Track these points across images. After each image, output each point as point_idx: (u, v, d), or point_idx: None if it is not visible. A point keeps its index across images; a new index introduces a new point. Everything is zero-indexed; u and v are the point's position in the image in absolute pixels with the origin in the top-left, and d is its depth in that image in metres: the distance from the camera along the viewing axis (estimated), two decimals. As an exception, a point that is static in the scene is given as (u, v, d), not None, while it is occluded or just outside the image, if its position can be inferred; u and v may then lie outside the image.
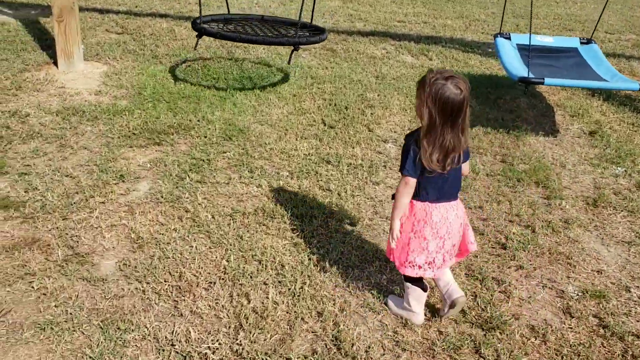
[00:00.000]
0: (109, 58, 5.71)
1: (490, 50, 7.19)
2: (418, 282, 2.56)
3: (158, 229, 3.14)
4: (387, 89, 5.54)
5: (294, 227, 3.24)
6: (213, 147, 4.11)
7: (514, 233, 3.33)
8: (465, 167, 2.52)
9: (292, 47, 4.68)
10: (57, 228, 3.07)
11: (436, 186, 2.39)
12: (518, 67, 5.02)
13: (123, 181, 3.59)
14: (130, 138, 4.13)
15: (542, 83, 4.54)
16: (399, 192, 2.41)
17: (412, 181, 2.37)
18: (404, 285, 2.59)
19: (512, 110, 5.26)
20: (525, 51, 5.51)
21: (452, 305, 2.55)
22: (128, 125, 4.30)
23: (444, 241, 2.44)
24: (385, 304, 2.70)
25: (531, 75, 4.58)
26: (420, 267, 2.47)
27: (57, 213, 3.19)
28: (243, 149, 4.12)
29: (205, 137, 4.25)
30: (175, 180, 3.63)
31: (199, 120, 4.50)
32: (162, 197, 3.43)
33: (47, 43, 5.95)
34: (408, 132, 2.77)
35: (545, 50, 5.66)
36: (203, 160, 3.90)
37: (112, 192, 3.45)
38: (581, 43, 5.82)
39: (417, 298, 2.56)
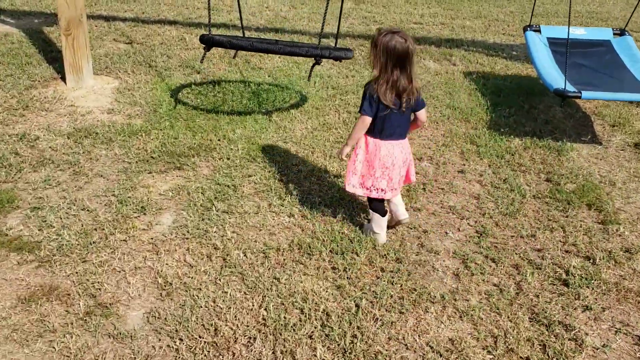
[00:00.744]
0: (119, 71, 5.41)
1: (514, 53, 6.88)
2: (377, 209, 3.09)
3: (186, 271, 2.86)
4: (414, 100, 5.23)
5: (335, 265, 2.95)
6: (237, 170, 3.82)
7: (574, 267, 3.04)
8: (422, 115, 3.05)
9: (313, 60, 4.31)
10: (77, 273, 2.79)
11: (387, 125, 2.92)
12: (553, 75, 4.74)
13: (144, 213, 3.31)
14: (149, 162, 3.84)
15: (580, 97, 4.29)
16: (355, 126, 2.98)
17: (368, 119, 2.92)
18: (370, 214, 3.14)
19: (548, 120, 4.96)
20: (556, 46, 5.27)
21: (398, 223, 3.20)
22: (145, 148, 4.01)
23: (389, 171, 2.99)
24: (361, 229, 3.25)
25: (568, 88, 4.32)
26: (368, 189, 3.04)
27: (75, 255, 2.91)
28: (269, 171, 3.83)
29: (228, 158, 3.96)
30: (200, 211, 3.35)
31: (219, 140, 4.21)
32: (188, 232, 3.15)
33: (52, 55, 5.67)
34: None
35: (577, 44, 5.37)
36: (228, 187, 3.62)
37: (133, 227, 3.17)
38: (614, 34, 5.55)
39: (378, 223, 3.11)
